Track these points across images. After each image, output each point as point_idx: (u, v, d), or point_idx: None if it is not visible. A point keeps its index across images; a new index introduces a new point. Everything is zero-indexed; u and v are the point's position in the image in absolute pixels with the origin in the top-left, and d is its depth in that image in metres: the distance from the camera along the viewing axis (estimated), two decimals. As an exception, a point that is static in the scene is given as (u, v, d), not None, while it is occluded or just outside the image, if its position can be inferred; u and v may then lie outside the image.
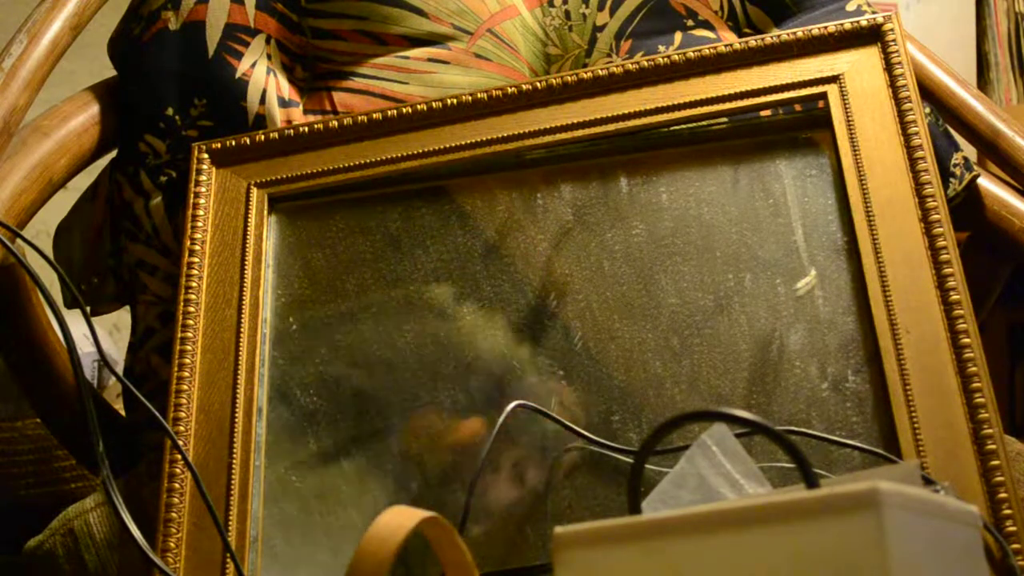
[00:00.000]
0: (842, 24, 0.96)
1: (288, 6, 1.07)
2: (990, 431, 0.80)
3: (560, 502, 0.88)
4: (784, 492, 0.67)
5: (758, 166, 0.96)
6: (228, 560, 0.84)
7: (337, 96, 1.05)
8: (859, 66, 0.94)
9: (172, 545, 0.85)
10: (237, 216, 0.98)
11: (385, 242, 0.99)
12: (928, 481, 0.77)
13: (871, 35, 0.95)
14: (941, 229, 0.87)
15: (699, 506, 0.51)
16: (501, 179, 1.00)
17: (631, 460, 0.85)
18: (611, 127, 0.97)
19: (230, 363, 0.92)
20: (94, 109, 1.05)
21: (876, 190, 0.89)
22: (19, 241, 0.83)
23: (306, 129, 1.01)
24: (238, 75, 1.04)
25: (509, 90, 0.99)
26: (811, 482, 0.52)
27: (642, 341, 0.92)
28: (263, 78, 1.05)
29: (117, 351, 1.60)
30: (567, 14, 1.06)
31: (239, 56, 1.05)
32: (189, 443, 0.89)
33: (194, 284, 0.95)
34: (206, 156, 1.01)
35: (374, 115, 1.00)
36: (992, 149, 1.02)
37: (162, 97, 1.04)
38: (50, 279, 0.88)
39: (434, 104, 0.99)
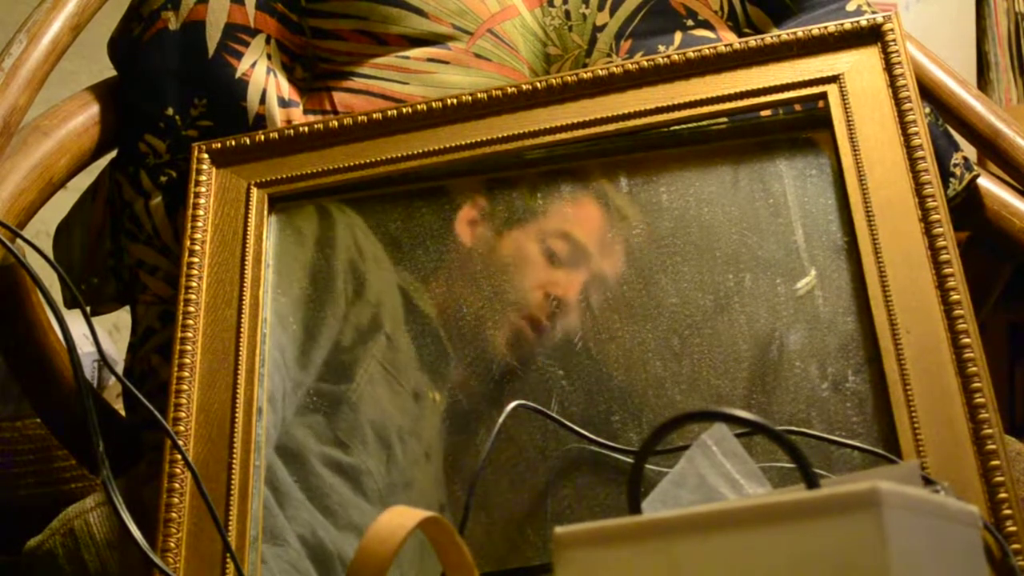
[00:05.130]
0: (842, 24, 0.96)
1: (288, 6, 1.07)
2: (990, 431, 0.80)
3: (560, 502, 0.88)
4: (784, 492, 0.67)
5: (758, 166, 0.96)
6: (228, 560, 0.84)
7: (337, 96, 1.05)
8: (859, 66, 0.94)
9: (172, 545, 0.85)
10: (237, 216, 0.98)
11: (385, 242, 0.99)
12: (928, 481, 0.77)
13: (871, 35, 0.95)
14: (941, 229, 0.87)
15: (699, 506, 0.51)
16: (501, 179, 1.00)
17: (631, 460, 0.85)
18: (611, 127, 0.97)
19: (230, 363, 0.92)
20: (94, 109, 1.04)
21: (876, 190, 0.89)
22: (19, 241, 0.83)
23: (306, 129, 1.01)
24: (238, 75, 1.04)
25: (509, 90, 0.99)
26: (811, 482, 0.52)
27: (642, 341, 0.92)
28: (263, 78, 1.05)
29: (117, 351, 1.60)
30: (567, 14, 1.06)
31: (239, 56, 1.05)
32: (189, 443, 0.89)
33: (194, 284, 0.95)
34: (206, 156, 1.01)
35: (374, 115, 1.00)
36: (992, 149, 1.02)
37: (162, 97, 1.04)
38: (50, 279, 0.88)
39: (434, 104, 0.99)
